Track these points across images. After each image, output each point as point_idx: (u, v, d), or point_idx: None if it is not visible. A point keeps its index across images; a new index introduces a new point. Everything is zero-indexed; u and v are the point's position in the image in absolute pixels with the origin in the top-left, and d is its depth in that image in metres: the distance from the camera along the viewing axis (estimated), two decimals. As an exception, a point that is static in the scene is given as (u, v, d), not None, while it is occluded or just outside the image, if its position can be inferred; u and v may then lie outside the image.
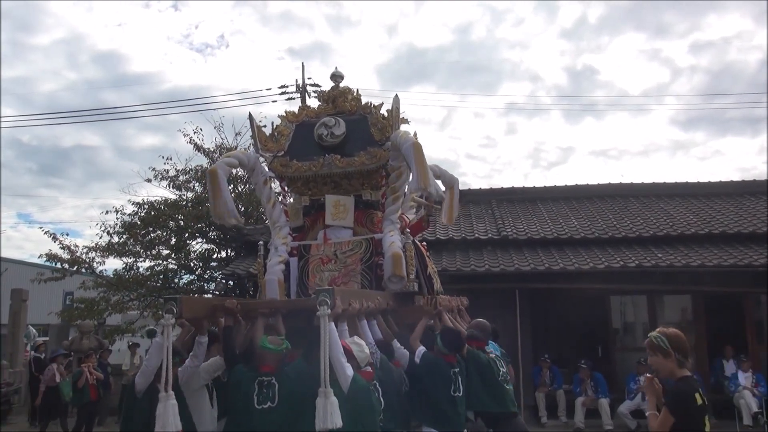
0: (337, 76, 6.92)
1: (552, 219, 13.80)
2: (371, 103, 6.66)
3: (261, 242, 6.40)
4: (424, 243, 7.10)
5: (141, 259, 15.01)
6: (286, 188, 6.61)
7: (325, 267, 5.97)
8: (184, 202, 15.01)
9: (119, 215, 15.24)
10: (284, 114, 6.82)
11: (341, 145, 6.27)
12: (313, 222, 6.43)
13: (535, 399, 11.01)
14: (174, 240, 15.17)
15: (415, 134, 6.75)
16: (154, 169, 15.47)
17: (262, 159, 6.52)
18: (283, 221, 6.35)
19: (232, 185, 14.99)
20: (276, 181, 6.58)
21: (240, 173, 14.52)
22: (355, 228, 6.23)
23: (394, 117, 6.17)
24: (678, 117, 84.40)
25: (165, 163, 15.55)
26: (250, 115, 6.85)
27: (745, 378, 10.36)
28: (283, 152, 6.45)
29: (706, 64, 77.19)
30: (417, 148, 5.46)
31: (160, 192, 17.28)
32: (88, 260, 14.83)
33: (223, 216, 5.58)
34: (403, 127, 6.28)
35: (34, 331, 17.05)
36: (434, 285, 6.42)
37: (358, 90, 6.88)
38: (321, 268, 5.98)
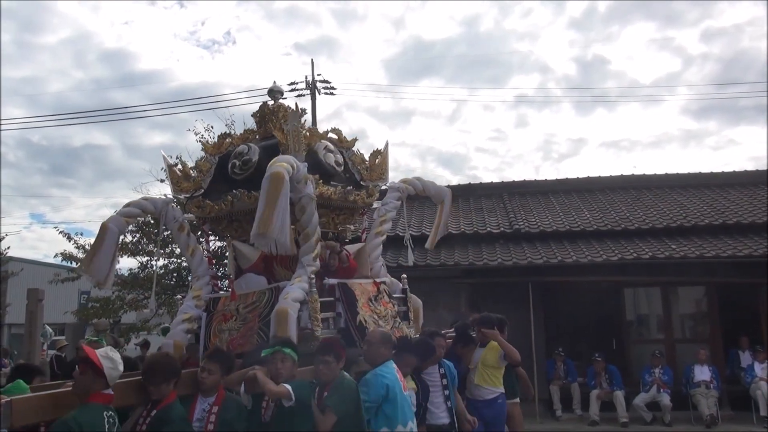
0: (276, 92, 5.94)
1: (564, 211, 13.77)
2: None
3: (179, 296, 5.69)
4: (383, 281, 5.71)
5: (155, 258, 15.09)
6: (210, 232, 5.81)
7: (225, 325, 4.97)
8: (197, 200, 15.01)
9: (132, 214, 15.30)
10: (204, 145, 5.96)
11: (256, 176, 5.07)
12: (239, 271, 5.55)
13: (550, 392, 10.99)
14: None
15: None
16: (164, 170, 15.53)
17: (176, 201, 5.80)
18: (202, 271, 5.46)
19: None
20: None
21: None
22: (279, 272, 5.31)
23: (293, 137, 5.12)
24: (690, 106, 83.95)
25: (176, 165, 15.59)
26: (162, 154, 6.37)
27: (761, 369, 10.28)
28: (202, 191, 5.60)
29: (718, 52, 76.51)
30: (271, 179, 4.40)
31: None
32: (102, 259, 14.91)
33: (90, 273, 4.91)
34: (328, 151, 5.47)
35: (50, 330, 17.20)
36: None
37: (297, 104, 5.80)
38: (222, 326, 4.98)
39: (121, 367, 3.41)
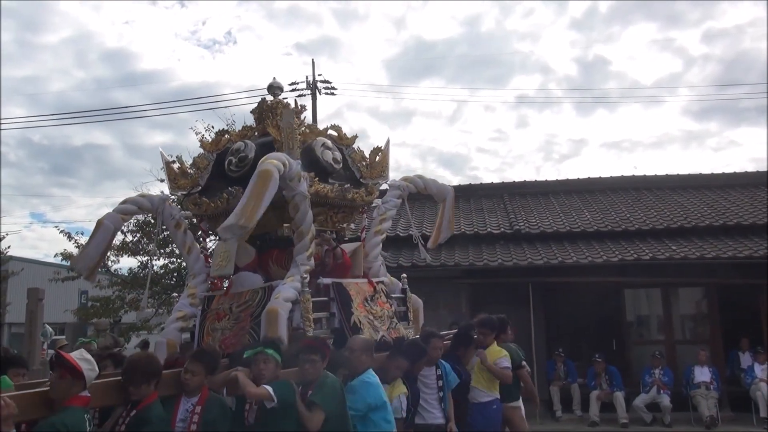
0: (275, 88, 5.84)
1: (565, 212, 13.76)
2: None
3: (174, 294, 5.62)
4: (381, 280, 5.69)
5: (155, 258, 15.10)
6: (208, 229, 5.82)
7: (219, 324, 4.89)
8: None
9: (132, 214, 15.31)
10: (201, 142, 6.01)
11: (252, 173, 4.78)
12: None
13: (550, 393, 10.97)
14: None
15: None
16: (163, 168, 15.53)
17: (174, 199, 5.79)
18: (198, 268, 5.42)
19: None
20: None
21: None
22: (275, 271, 5.23)
23: (287, 133, 5.03)
24: (691, 107, 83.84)
25: (174, 162, 15.60)
26: (160, 152, 6.18)
27: (761, 370, 10.27)
28: (200, 188, 5.56)
29: (719, 53, 76.34)
30: (260, 176, 4.35)
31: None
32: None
33: (78, 267, 5.04)
34: (323, 147, 5.39)
35: (50, 329, 17.23)
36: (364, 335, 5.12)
37: (296, 101, 5.79)
38: (215, 325, 4.91)
39: (96, 368, 3.43)
